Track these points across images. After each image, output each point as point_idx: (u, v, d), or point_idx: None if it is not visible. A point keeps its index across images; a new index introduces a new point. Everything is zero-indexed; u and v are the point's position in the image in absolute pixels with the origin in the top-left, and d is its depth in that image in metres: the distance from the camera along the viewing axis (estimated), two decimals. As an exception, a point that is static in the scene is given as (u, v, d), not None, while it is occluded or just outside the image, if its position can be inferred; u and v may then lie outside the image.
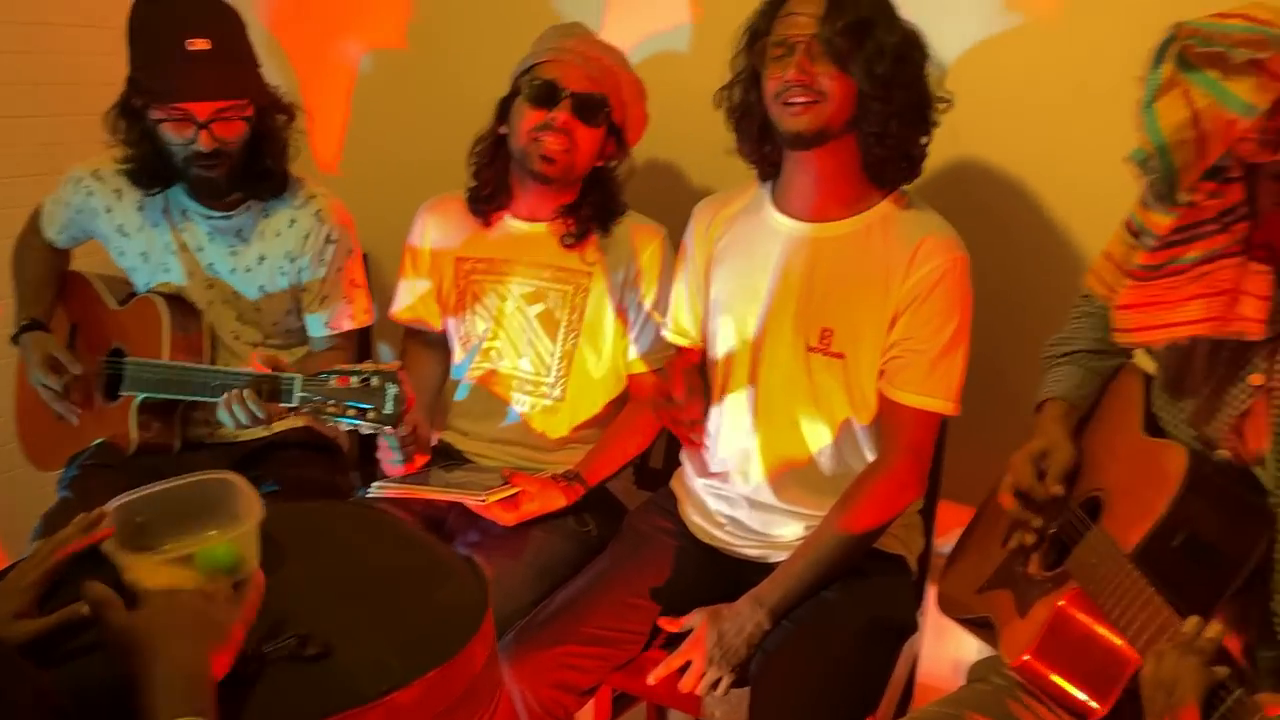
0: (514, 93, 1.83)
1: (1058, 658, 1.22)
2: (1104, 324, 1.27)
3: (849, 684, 1.50)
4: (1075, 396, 1.42)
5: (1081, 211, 1.81)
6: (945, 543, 1.85)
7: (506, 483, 1.75)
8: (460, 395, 2.00)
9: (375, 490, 1.76)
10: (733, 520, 1.73)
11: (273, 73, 2.33)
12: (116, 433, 1.94)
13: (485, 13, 2.31)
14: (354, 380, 1.55)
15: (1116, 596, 1.11)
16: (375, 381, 1.54)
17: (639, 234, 1.89)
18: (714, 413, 1.75)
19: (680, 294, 1.80)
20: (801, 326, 1.62)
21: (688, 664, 1.55)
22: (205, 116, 1.76)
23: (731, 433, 1.71)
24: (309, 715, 0.98)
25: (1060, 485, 1.32)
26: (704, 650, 1.54)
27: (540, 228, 1.90)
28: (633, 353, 1.91)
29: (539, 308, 1.90)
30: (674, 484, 1.87)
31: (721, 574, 1.69)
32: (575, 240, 1.86)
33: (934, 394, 1.56)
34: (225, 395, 1.67)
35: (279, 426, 2.02)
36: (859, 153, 1.55)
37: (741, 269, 1.69)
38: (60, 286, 2.09)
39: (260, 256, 1.95)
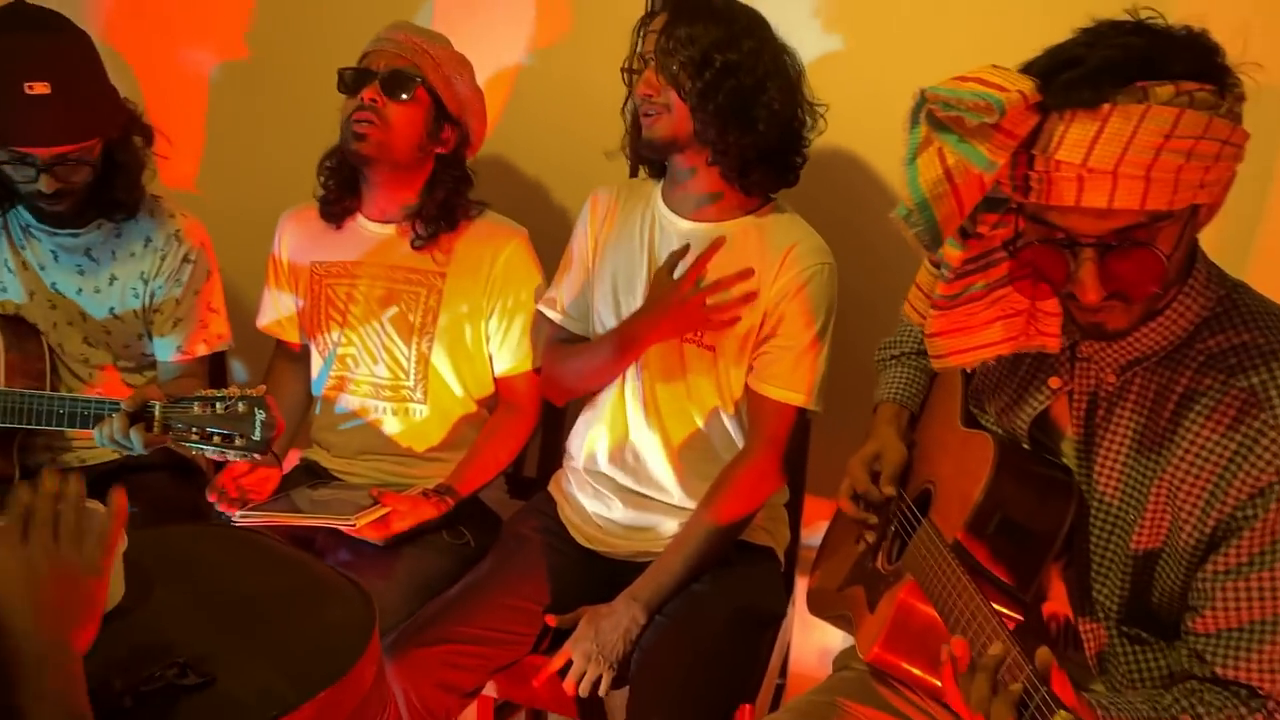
0: None
1: (904, 648, 1.28)
2: None
3: (724, 672, 1.56)
4: (904, 396, 1.52)
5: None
6: (811, 534, 1.94)
7: (376, 502, 1.73)
8: (321, 409, 1.97)
9: (240, 519, 1.71)
10: (608, 520, 1.78)
11: (116, 84, 2.23)
12: (-61, 466, 1.82)
13: (329, 18, 2.28)
14: (219, 406, 1.51)
15: (939, 585, 1.19)
16: (242, 408, 1.49)
17: (496, 234, 1.88)
18: (592, 402, 1.80)
19: (561, 276, 1.84)
20: None
21: (569, 665, 1.57)
22: (46, 160, 1.69)
23: (608, 423, 1.77)
24: (194, 747, 0.96)
25: (892, 486, 1.40)
26: (583, 649, 1.56)
27: (390, 229, 1.88)
28: (501, 358, 1.90)
29: (392, 311, 1.88)
30: (551, 487, 1.90)
31: (600, 575, 1.72)
32: (425, 241, 1.85)
33: (795, 388, 1.65)
34: (100, 426, 1.60)
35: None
36: (711, 163, 1.64)
37: (625, 257, 1.75)
38: None
39: (112, 277, 1.87)
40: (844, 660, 1.46)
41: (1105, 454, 1.19)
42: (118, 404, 1.60)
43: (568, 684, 1.56)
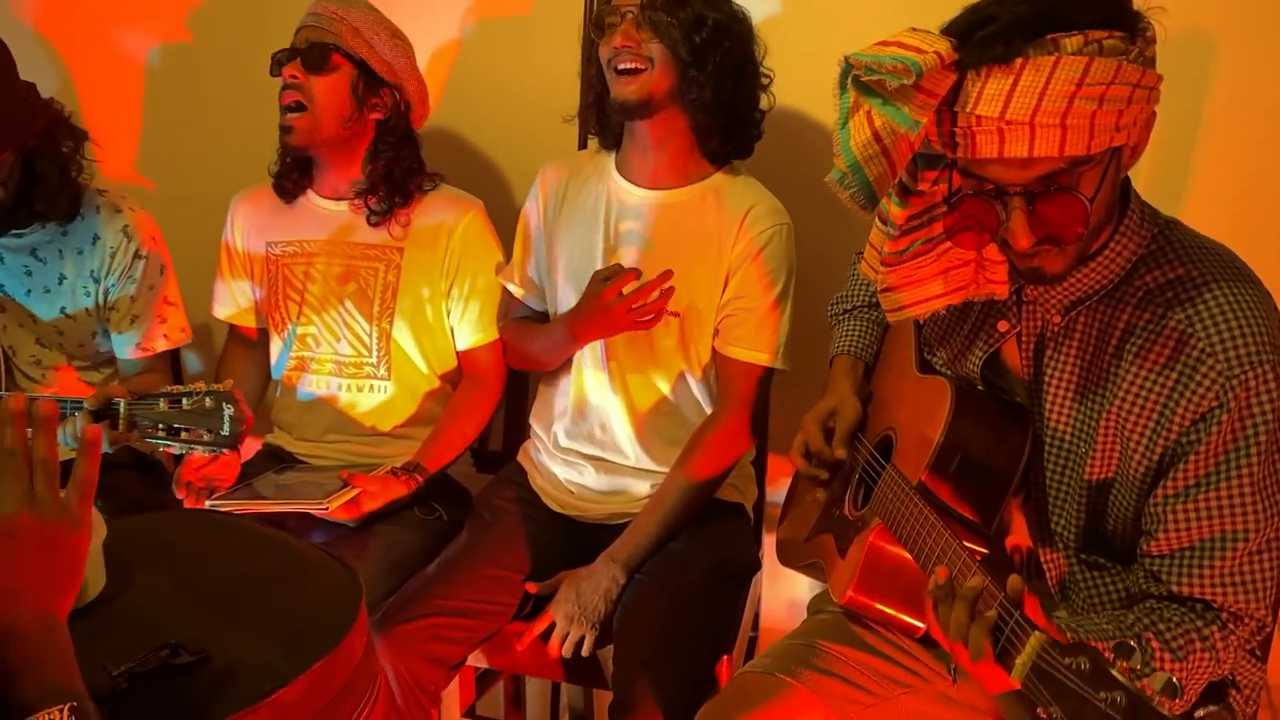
0: None
1: (877, 589, 1.33)
2: None
3: (704, 624, 1.61)
4: (859, 348, 1.57)
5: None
6: (775, 491, 1.98)
7: (346, 485, 1.73)
8: (281, 392, 1.96)
9: (210, 507, 1.70)
10: (581, 486, 1.80)
11: (46, 74, 2.18)
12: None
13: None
14: (185, 402, 1.49)
15: (908, 526, 1.23)
16: (209, 403, 1.48)
17: (453, 207, 1.88)
18: (559, 375, 1.82)
19: (518, 254, 1.85)
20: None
21: (552, 628, 1.60)
22: None
23: (572, 394, 1.79)
24: (194, 723, 0.97)
25: (844, 448, 1.44)
26: (565, 611, 1.60)
27: (343, 206, 1.87)
28: (462, 331, 1.90)
29: (350, 287, 1.88)
30: (521, 458, 1.92)
31: (576, 540, 1.75)
32: (380, 217, 1.84)
33: (761, 349, 1.69)
34: (62, 424, 1.57)
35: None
36: (688, 126, 1.65)
37: (581, 232, 1.76)
38: None
39: (60, 276, 1.83)
40: (818, 604, 1.50)
41: (1054, 391, 1.24)
42: (80, 402, 1.57)
43: (551, 646, 1.60)
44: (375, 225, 1.85)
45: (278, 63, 1.79)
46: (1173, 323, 1.13)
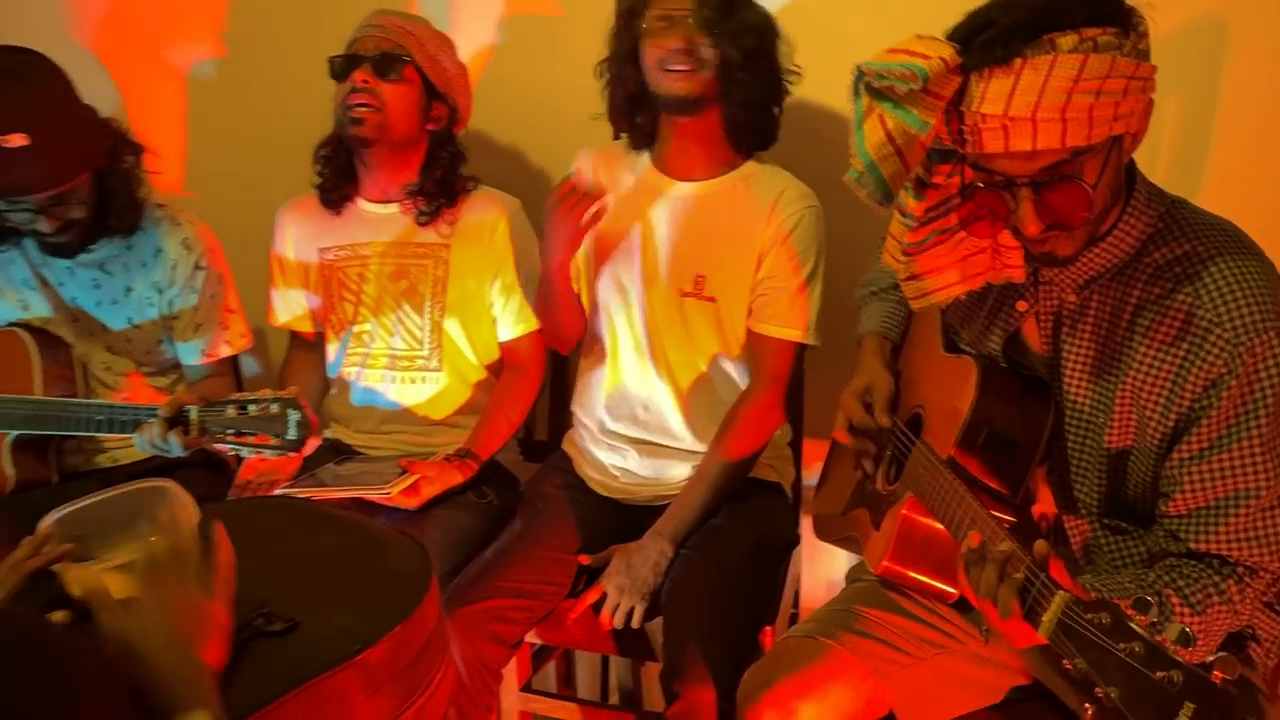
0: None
1: (910, 558, 1.40)
2: None
3: (747, 594, 1.69)
4: (886, 328, 1.65)
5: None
6: (811, 475, 2.06)
7: (405, 472, 1.84)
8: (339, 388, 2.06)
9: (280, 495, 1.81)
10: (625, 471, 1.90)
11: (98, 92, 2.29)
12: (-9, 475, 1.91)
13: (308, 11, 2.35)
14: (252, 409, 1.58)
15: (939, 499, 1.31)
16: (275, 409, 1.57)
17: (494, 205, 1.98)
18: (598, 363, 1.91)
19: None
20: (675, 274, 1.80)
21: (603, 600, 1.69)
22: (39, 204, 1.76)
23: (614, 380, 1.88)
24: (288, 683, 1.05)
25: (887, 416, 1.53)
26: (616, 583, 1.68)
27: (393, 208, 1.98)
28: (504, 322, 2.00)
29: (403, 284, 1.98)
30: (566, 446, 2.01)
31: (623, 521, 1.84)
32: (429, 217, 1.95)
33: (792, 325, 1.78)
34: (139, 431, 1.69)
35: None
36: (721, 120, 1.75)
37: (617, 220, 1.85)
38: None
39: (127, 288, 1.94)
40: (855, 574, 1.59)
41: (1072, 366, 1.31)
42: (154, 410, 1.68)
43: (603, 617, 1.68)
44: (424, 225, 1.96)
45: (344, 68, 1.86)
46: (1180, 296, 1.20)
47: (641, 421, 1.88)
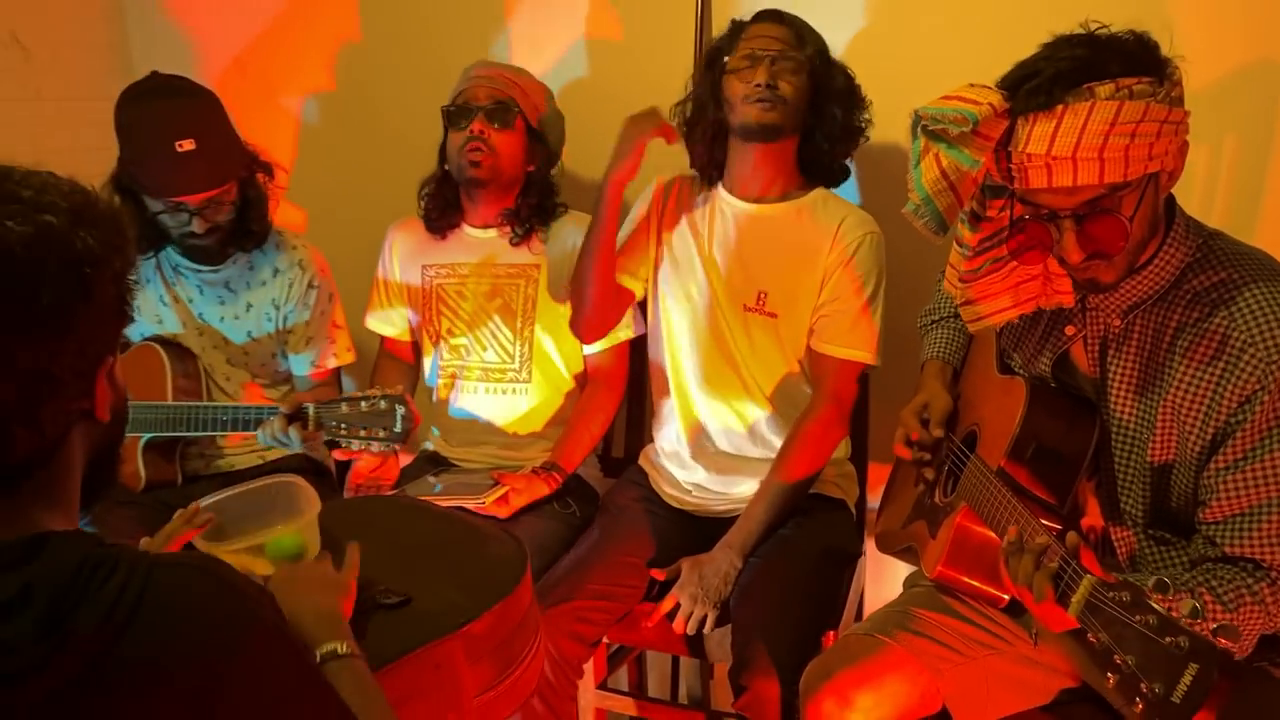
0: (445, 130, 2.11)
1: (964, 564, 1.50)
2: None
3: (811, 598, 1.80)
4: (947, 353, 1.76)
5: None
6: (876, 496, 2.16)
7: (497, 484, 2.00)
8: (436, 402, 2.24)
9: None
10: (697, 485, 2.03)
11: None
12: (125, 472, 2.11)
13: (414, 55, 2.56)
14: (364, 404, 1.75)
15: (990, 507, 1.41)
16: (383, 405, 1.73)
17: (579, 228, 2.12)
18: (668, 386, 2.04)
19: (628, 240, 2.05)
20: (739, 289, 1.94)
21: (676, 608, 1.81)
22: (197, 205, 1.97)
23: (687, 399, 2.01)
24: (403, 648, 1.21)
25: (941, 428, 1.63)
26: (690, 593, 1.80)
27: (491, 233, 2.17)
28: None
29: (497, 302, 2.16)
30: (642, 462, 2.16)
31: (694, 532, 1.97)
32: (521, 238, 2.13)
33: (855, 346, 1.89)
34: (263, 427, 1.86)
35: (273, 455, 2.20)
36: (797, 153, 1.91)
37: (686, 238, 2.00)
38: None
39: (248, 305, 2.15)
40: (913, 580, 1.69)
41: (1118, 386, 1.42)
42: (275, 409, 1.86)
43: (677, 624, 1.80)
44: (516, 245, 2.14)
45: (460, 117, 2.06)
46: (1217, 320, 1.30)
47: (713, 437, 2.01)
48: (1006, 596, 1.48)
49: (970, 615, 1.55)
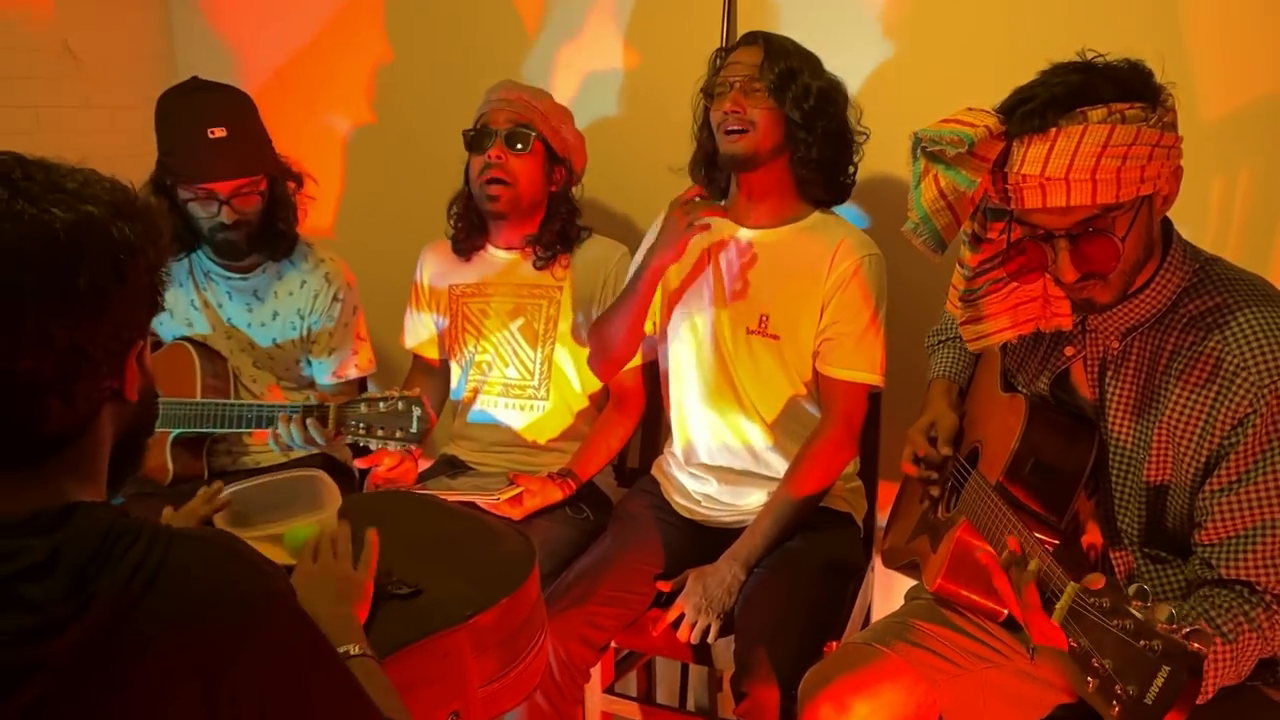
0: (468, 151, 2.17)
1: (963, 577, 1.52)
2: None
3: (815, 613, 1.83)
4: (953, 373, 1.80)
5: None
6: (885, 515, 2.18)
7: (512, 484, 2.05)
8: (460, 410, 2.31)
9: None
10: (707, 496, 2.07)
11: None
12: (154, 465, 2.18)
13: (444, 76, 2.65)
14: (382, 405, 1.80)
15: (987, 522, 1.44)
16: (401, 406, 1.78)
17: (605, 251, 2.21)
18: (680, 402, 2.08)
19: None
20: (742, 313, 1.98)
21: (681, 617, 1.85)
22: (227, 193, 2.04)
23: (697, 415, 2.05)
24: (411, 637, 1.26)
25: (949, 447, 1.66)
26: (694, 603, 1.84)
27: (515, 254, 2.23)
28: None
29: (519, 321, 2.21)
30: (655, 471, 2.20)
31: (702, 541, 2.01)
32: (545, 262, 2.19)
33: (860, 368, 1.92)
34: (279, 423, 1.90)
35: (297, 453, 2.26)
36: (790, 174, 1.94)
37: (692, 265, 2.04)
38: None
39: (274, 313, 2.22)
40: (914, 593, 1.72)
41: (1115, 407, 1.45)
42: (298, 406, 1.92)
43: (681, 633, 1.84)
44: (540, 268, 2.19)
45: (478, 141, 2.12)
46: (1211, 344, 1.33)
47: (722, 451, 2.05)
48: (1005, 611, 1.50)
49: (969, 628, 1.57)
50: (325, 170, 2.84)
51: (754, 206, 1.99)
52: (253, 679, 0.88)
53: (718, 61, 1.97)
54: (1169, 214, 1.40)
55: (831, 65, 1.97)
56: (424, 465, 2.33)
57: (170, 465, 2.16)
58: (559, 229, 2.18)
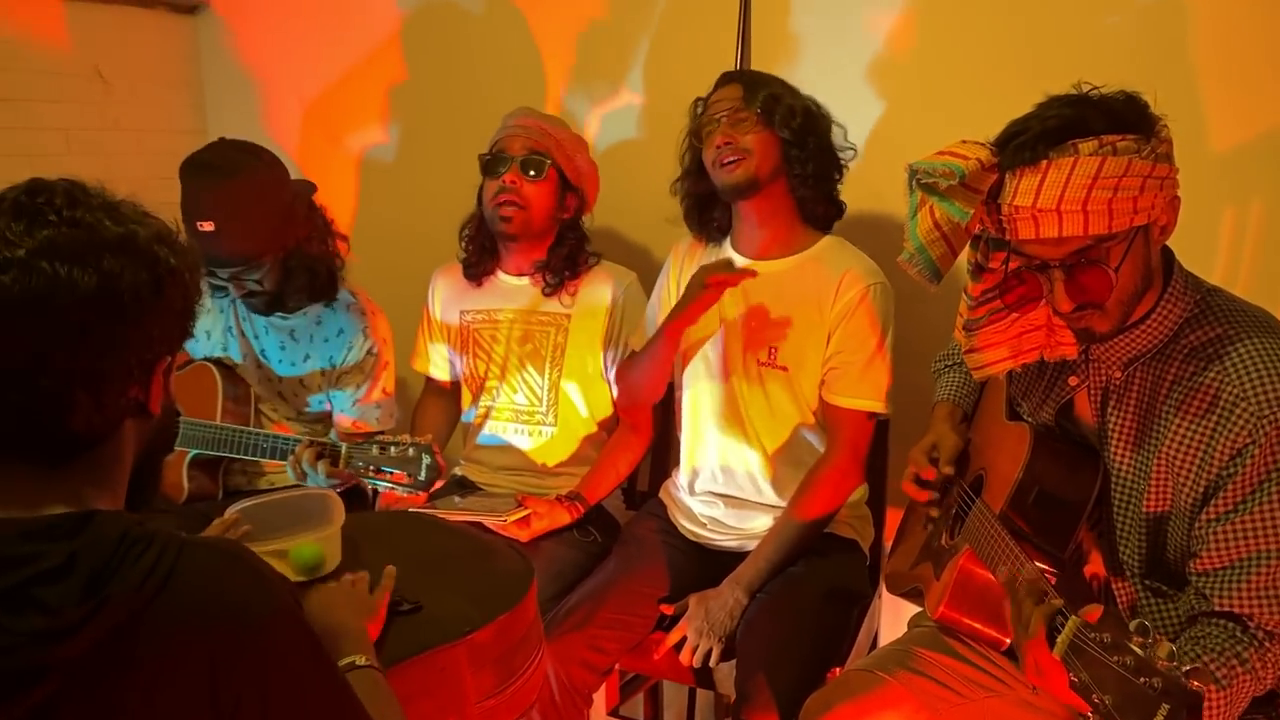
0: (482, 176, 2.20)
1: (966, 606, 1.52)
2: None
3: (816, 635, 1.83)
4: (958, 397, 1.80)
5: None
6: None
7: (520, 505, 2.07)
8: (470, 433, 2.33)
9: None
10: (713, 520, 2.07)
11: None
12: (169, 482, 2.21)
13: (460, 108, 2.70)
14: (393, 450, 1.82)
15: (990, 550, 1.44)
16: (412, 452, 1.80)
17: (614, 277, 2.23)
18: (689, 428, 2.10)
19: (654, 318, 2.13)
20: (752, 345, 1.99)
21: (683, 641, 1.85)
22: (227, 275, 2.07)
23: (704, 440, 2.06)
24: (410, 651, 1.28)
25: (950, 466, 1.66)
26: (695, 626, 1.84)
27: (525, 281, 2.25)
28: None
29: (528, 347, 2.24)
30: (662, 495, 2.21)
31: (707, 565, 2.01)
32: (554, 288, 2.21)
33: (865, 395, 1.93)
34: (292, 456, 1.94)
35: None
36: (791, 197, 1.95)
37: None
38: None
39: (306, 355, 2.23)
40: (917, 620, 1.72)
41: (1117, 437, 1.44)
42: (313, 441, 1.94)
43: (683, 656, 1.84)
44: (549, 295, 2.22)
45: (493, 166, 2.15)
46: (1210, 376, 1.33)
47: (727, 479, 2.05)
48: (1008, 640, 1.50)
49: (971, 657, 1.57)
50: (342, 191, 2.91)
51: (759, 236, 2.00)
52: (255, 685, 0.90)
53: (699, 108, 2.00)
54: (1177, 245, 1.41)
55: (844, 99, 2.01)
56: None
57: (186, 484, 2.19)
58: (567, 254, 2.21)
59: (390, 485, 1.82)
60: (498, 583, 1.44)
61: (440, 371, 2.38)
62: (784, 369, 1.97)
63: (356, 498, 2.36)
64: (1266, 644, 1.28)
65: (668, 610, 1.93)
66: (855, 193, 2.07)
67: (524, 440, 2.26)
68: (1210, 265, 2.01)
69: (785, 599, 1.86)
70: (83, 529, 0.89)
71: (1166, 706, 0.97)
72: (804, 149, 1.91)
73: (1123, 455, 1.44)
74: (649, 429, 2.25)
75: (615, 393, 2.24)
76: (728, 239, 2.08)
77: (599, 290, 2.22)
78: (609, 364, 2.23)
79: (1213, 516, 1.31)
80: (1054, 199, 1.26)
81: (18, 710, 0.84)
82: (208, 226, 1.97)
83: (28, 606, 0.85)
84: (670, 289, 2.12)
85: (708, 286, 1.87)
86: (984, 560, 1.48)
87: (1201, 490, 1.33)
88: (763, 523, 2.02)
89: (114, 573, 0.87)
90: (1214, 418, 1.32)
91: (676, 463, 2.19)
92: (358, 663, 1.16)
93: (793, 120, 1.90)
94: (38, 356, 0.89)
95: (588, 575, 2.03)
